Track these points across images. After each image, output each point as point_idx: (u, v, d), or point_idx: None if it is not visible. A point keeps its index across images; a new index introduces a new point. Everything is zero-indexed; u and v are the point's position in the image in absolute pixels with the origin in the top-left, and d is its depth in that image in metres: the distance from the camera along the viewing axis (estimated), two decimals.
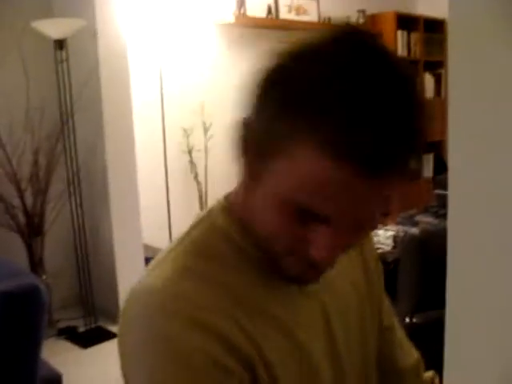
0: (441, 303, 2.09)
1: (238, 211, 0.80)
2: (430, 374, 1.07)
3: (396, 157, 0.63)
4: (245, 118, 0.74)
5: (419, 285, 2.76)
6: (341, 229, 0.68)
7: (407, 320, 2.97)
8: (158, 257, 0.79)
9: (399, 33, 6.34)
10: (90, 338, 3.90)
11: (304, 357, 0.79)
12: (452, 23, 2.26)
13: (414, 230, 2.84)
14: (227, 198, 0.84)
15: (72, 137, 3.89)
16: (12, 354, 2.18)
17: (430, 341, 2.16)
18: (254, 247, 0.78)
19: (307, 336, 0.81)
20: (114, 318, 4.07)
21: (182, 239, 0.80)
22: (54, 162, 3.85)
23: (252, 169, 0.73)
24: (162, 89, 4.66)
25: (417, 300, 2.85)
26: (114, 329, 3.98)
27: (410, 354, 1.05)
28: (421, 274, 2.67)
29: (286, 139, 0.66)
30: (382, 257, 3.29)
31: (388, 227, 3.83)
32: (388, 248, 3.31)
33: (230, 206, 0.82)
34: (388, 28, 6.34)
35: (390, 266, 3.16)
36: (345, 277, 0.90)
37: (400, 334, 1.04)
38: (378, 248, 3.45)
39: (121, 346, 0.76)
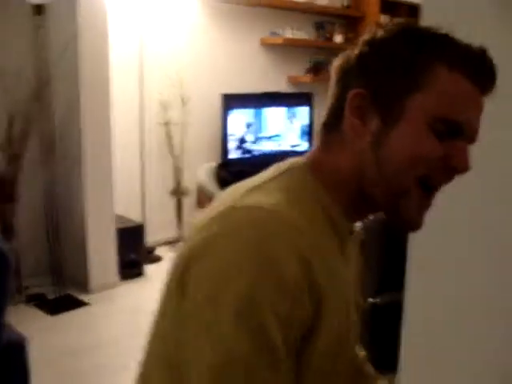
0: (402, 285, 2.15)
1: (325, 175, 0.88)
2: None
3: (496, 77, 0.85)
4: (368, 84, 0.85)
5: (382, 266, 2.82)
6: (467, 143, 0.84)
7: (370, 300, 3.03)
8: (250, 190, 0.84)
9: (382, 17, 6.35)
10: (58, 305, 3.91)
11: (347, 315, 0.88)
12: (426, 8, 2.29)
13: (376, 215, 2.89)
14: (306, 165, 0.90)
15: (48, 104, 3.88)
16: None
17: (391, 321, 2.23)
18: (337, 212, 0.87)
19: (349, 297, 0.89)
20: (83, 287, 4.10)
21: (268, 183, 0.86)
22: (29, 129, 3.83)
23: (384, 122, 0.83)
24: (141, 60, 4.64)
25: (380, 281, 2.91)
26: (82, 297, 4.00)
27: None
28: (384, 256, 2.72)
29: (422, 73, 0.82)
30: None
31: None
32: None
33: (316, 170, 0.89)
34: (372, 11, 6.35)
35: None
36: (353, 252, 0.99)
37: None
38: None
39: (200, 258, 0.76)
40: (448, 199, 1.95)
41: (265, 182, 0.86)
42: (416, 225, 0.87)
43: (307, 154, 0.92)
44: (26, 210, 4.05)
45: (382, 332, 2.60)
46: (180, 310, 0.77)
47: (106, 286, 4.08)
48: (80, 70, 3.84)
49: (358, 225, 0.97)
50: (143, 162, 4.77)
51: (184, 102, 4.92)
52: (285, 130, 5.75)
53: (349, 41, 6.47)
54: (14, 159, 3.80)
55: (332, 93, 0.90)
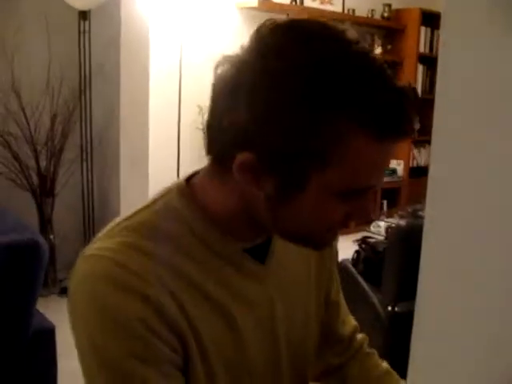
0: None
1: (200, 201, 0.85)
2: (361, 336, 1.20)
3: (412, 122, 0.73)
4: (248, 151, 0.75)
5: (402, 275, 2.85)
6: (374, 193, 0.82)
7: (389, 308, 3.07)
8: (106, 228, 0.86)
9: (423, 29, 6.38)
10: None
11: (238, 340, 0.87)
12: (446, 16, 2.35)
13: (401, 222, 2.94)
14: (184, 191, 0.87)
15: (89, 106, 4.04)
16: (8, 303, 2.34)
17: (410, 330, 2.28)
18: (211, 231, 0.84)
19: (245, 320, 0.87)
20: None
21: (129, 218, 0.85)
22: (70, 129, 4.00)
23: (284, 186, 0.76)
24: (181, 65, 4.77)
25: (400, 289, 2.95)
26: None
27: (348, 325, 1.18)
28: (404, 264, 2.76)
29: (338, 151, 0.72)
30: (374, 246, 3.40)
31: (386, 219, 3.94)
32: (380, 238, 3.42)
33: (190, 195, 0.86)
34: (412, 24, 6.39)
35: (379, 255, 3.26)
36: (295, 257, 0.99)
37: (343, 310, 1.17)
38: (372, 238, 3.56)
39: (68, 304, 0.81)
40: (461, 204, 2.02)
41: (127, 217, 0.85)
42: (326, 247, 0.91)
43: (193, 178, 0.89)
44: (65, 206, 4.22)
45: (402, 340, 2.66)
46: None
47: None
48: (121, 74, 4.00)
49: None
50: (180, 166, 4.90)
51: None
52: None
53: (388, 52, 6.52)
54: (55, 156, 3.98)
55: (213, 112, 0.80)
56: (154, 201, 0.87)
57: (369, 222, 0.81)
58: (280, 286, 0.94)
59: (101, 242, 0.83)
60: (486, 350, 1.25)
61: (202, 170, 0.89)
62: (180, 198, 0.86)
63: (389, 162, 0.81)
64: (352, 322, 1.19)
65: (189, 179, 0.89)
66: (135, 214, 0.85)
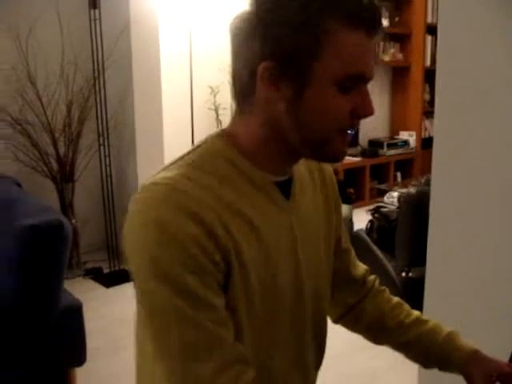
0: None
1: (234, 139, 1.00)
2: (372, 277, 1.34)
3: (380, 16, 0.92)
4: (274, 54, 0.91)
5: (415, 241, 2.93)
6: (368, 83, 0.95)
7: (403, 274, 3.16)
8: (160, 169, 0.99)
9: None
10: (113, 278, 4.21)
11: (270, 260, 0.99)
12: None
13: (412, 190, 3.01)
14: (219, 134, 1.02)
15: (103, 91, 4.14)
16: (37, 282, 2.46)
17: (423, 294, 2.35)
18: (249, 165, 0.99)
19: (274, 240, 1.00)
20: None
21: (180, 159, 1.00)
22: (86, 115, 4.10)
23: (296, 87, 0.92)
24: (191, 47, 4.84)
25: (412, 255, 3.04)
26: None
27: (360, 268, 1.33)
28: (416, 231, 2.83)
29: (323, 41, 0.89)
30: (386, 215, 3.48)
31: (400, 189, 4.00)
32: (393, 207, 3.49)
33: (227, 136, 1.01)
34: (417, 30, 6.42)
35: (392, 223, 3.35)
36: (309, 202, 1.12)
37: (353, 254, 1.32)
38: (385, 207, 3.64)
39: (128, 227, 0.92)
40: (465, 171, 2.10)
41: (182, 156, 1.00)
42: (341, 157, 1.02)
43: (227, 126, 1.04)
44: (84, 190, 4.35)
45: (416, 304, 2.74)
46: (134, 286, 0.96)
47: None
48: (133, 59, 4.09)
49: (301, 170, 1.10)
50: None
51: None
52: None
53: (395, 25, 6.54)
54: (73, 143, 4.09)
55: (236, 58, 0.97)
56: (198, 146, 1.02)
57: (369, 115, 0.92)
58: (298, 223, 1.07)
59: (159, 175, 0.95)
60: (491, 310, 1.33)
61: (230, 123, 1.04)
62: (219, 141, 1.00)
63: (372, 54, 0.94)
64: (362, 265, 1.33)
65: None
66: (184, 155, 1.00)
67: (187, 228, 0.87)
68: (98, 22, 4.01)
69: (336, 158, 1.01)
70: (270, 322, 1.02)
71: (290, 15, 0.88)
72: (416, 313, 1.31)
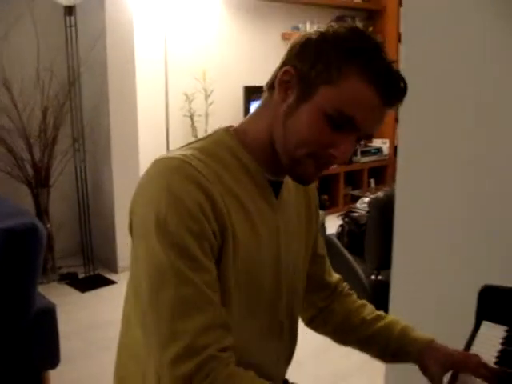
0: None
1: (240, 135, 1.12)
2: (344, 284, 1.46)
3: (403, 97, 1.05)
4: (294, 66, 1.05)
5: (383, 244, 3.00)
6: (357, 140, 1.05)
7: (372, 277, 3.24)
8: (172, 150, 1.11)
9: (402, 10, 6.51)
10: (88, 283, 4.23)
11: (258, 243, 1.10)
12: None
13: (380, 194, 3.09)
14: (227, 128, 1.15)
15: (78, 97, 4.17)
16: (12, 285, 2.48)
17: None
18: (250, 160, 1.11)
19: (265, 233, 1.12)
20: (111, 267, 4.40)
21: (188, 145, 1.11)
22: (61, 120, 4.12)
23: (298, 98, 1.04)
24: (166, 55, 4.91)
25: (381, 258, 3.11)
26: (111, 277, 4.31)
27: (334, 276, 1.45)
28: (384, 235, 2.89)
29: (338, 73, 1.00)
30: (356, 219, 3.56)
31: (371, 195, 4.07)
32: (363, 212, 3.57)
33: (235, 131, 1.14)
34: (391, 4, 6.56)
35: (362, 227, 3.42)
36: (293, 208, 1.23)
37: (328, 262, 1.44)
38: (356, 212, 3.71)
39: (136, 194, 1.04)
40: (427, 175, 2.19)
41: (191, 142, 1.13)
42: (307, 182, 1.13)
43: (238, 124, 1.17)
44: (59, 195, 4.36)
45: (385, 306, 2.80)
46: (132, 245, 1.06)
47: None
48: (108, 66, 4.12)
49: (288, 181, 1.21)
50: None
51: (207, 94, 5.18)
52: None
53: (367, 0, 6.63)
54: (48, 148, 4.10)
55: (281, 60, 1.10)
56: (205, 137, 1.14)
57: (338, 162, 1.02)
58: (283, 222, 1.18)
59: (174, 152, 1.07)
60: (452, 311, 1.40)
61: (241, 121, 1.17)
62: (226, 135, 1.13)
63: (376, 121, 1.04)
64: (336, 275, 1.45)
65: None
66: (192, 143, 1.13)
67: (195, 195, 0.98)
68: (73, 28, 4.04)
69: (302, 180, 1.12)
70: (250, 303, 1.11)
71: (328, 45, 1.02)
72: (378, 312, 1.40)
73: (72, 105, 4.16)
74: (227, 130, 1.14)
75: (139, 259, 1.02)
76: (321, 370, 3.05)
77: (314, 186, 1.32)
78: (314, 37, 1.05)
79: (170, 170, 1.00)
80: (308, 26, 5.93)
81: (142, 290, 1.02)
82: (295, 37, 1.10)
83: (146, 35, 4.88)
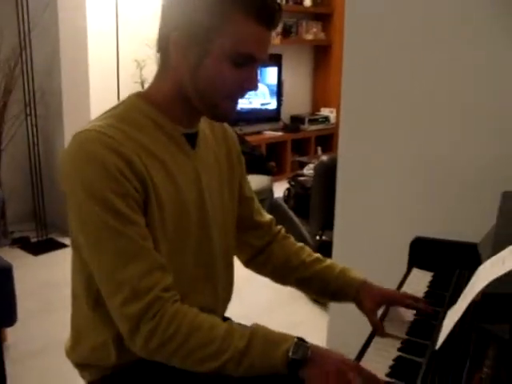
0: None
1: (150, 97, 1.23)
2: (278, 226, 1.58)
3: (280, 17, 1.17)
4: (180, 31, 1.13)
5: (327, 206, 3.15)
6: (259, 66, 1.18)
7: (317, 238, 3.41)
8: (90, 121, 1.21)
9: None
10: (41, 247, 4.30)
11: (179, 193, 1.22)
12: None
13: (324, 158, 3.24)
14: (138, 93, 1.26)
15: (29, 61, 4.17)
16: None
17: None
18: (162, 118, 1.22)
19: (183, 182, 1.23)
20: (64, 232, 4.46)
21: (105, 114, 1.23)
22: (12, 85, 4.13)
23: (196, 56, 1.14)
24: (117, 21, 4.93)
25: (325, 219, 3.27)
26: (63, 240, 4.37)
27: (265, 217, 1.55)
28: (328, 197, 3.04)
29: (223, 22, 1.11)
30: (302, 183, 3.72)
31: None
32: (310, 176, 3.72)
33: (144, 95, 1.25)
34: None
35: (307, 190, 3.59)
36: (211, 153, 1.35)
37: (257, 203, 1.55)
38: (303, 176, 3.87)
39: (64, 165, 1.14)
40: (370, 148, 2.36)
41: (108, 110, 1.24)
42: (229, 119, 1.29)
43: (145, 88, 1.28)
44: (11, 161, 4.37)
45: None
46: (67, 206, 1.18)
47: None
48: (59, 30, 4.13)
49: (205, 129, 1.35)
50: None
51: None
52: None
53: (317, 5, 6.76)
54: None
55: (159, 24, 1.20)
56: (120, 103, 1.25)
57: (254, 90, 1.18)
58: (202, 169, 1.30)
59: (91, 123, 1.17)
60: (390, 268, 1.57)
61: (148, 86, 1.27)
62: (137, 99, 1.24)
63: (267, 42, 1.18)
64: (268, 215, 1.57)
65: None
66: (108, 111, 1.23)
67: (113, 160, 1.10)
68: None
69: (224, 118, 1.28)
70: (181, 243, 1.25)
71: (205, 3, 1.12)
72: (317, 254, 1.53)
73: (23, 69, 4.17)
74: (137, 95, 1.25)
75: (74, 220, 1.15)
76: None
77: (234, 137, 1.47)
78: None
79: (88, 141, 1.12)
80: None
81: (84, 248, 1.16)
82: None
83: (97, 1, 4.88)
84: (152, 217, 1.16)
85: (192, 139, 1.28)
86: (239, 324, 1.17)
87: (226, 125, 1.43)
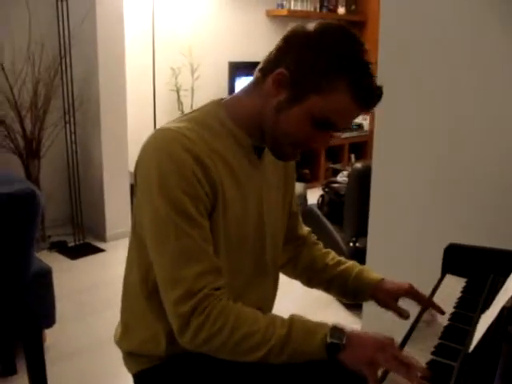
0: None
1: (229, 108, 1.28)
2: (313, 235, 1.66)
3: (378, 103, 1.20)
4: (288, 68, 1.18)
5: (361, 213, 3.16)
6: (336, 132, 1.26)
7: (351, 244, 3.41)
8: (170, 121, 1.28)
9: None
10: (77, 251, 4.38)
11: (244, 201, 1.28)
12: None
13: (358, 165, 3.25)
14: (219, 101, 1.31)
15: (69, 70, 4.27)
16: (12, 247, 2.63)
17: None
18: (236, 128, 1.27)
19: (249, 190, 1.30)
20: (100, 236, 4.55)
21: (185, 115, 1.29)
22: (52, 93, 4.23)
23: (287, 98, 1.19)
24: (153, 29, 5.01)
25: (359, 226, 3.27)
26: (99, 245, 4.46)
27: (304, 229, 1.65)
28: (362, 203, 3.05)
29: (328, 83, 1.15)
30: (337, 189, 3.73)
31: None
32: (344, 184, 3.74)
33: (225, 103, 1.30)
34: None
35: (341, 197, 3.60)
36: (273, 169, 1.41)
37: (300, 218, 1.64)
38: (337, 182, 3.88)
39: (141, 158, 1.20)
40: (401, 148, 2.37)
41: (186, 114, 1.30)
42: (285, 160, 1.35)
43: (229, 97, 1.33)
44: (50, 166, 4.48)
45: None
46: (136, 198, 1.25)
47: (120, 235, 4.50)
48: (98, 39, 4.22)
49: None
50: (156, 125, 5.16)
51: (193, 69, 5.30)
52: None
53: (351, 13, 6.78)
54: (39, 120, 4.21)
55: (274, 49, 1.24)
56: (198, 109, 1.31)
57: (319, 149, 1.28)
58: (264, 182, 1.36)
59: (171, 124, 1.23)
60: (425, 276, 1.59)
61: (232, 96, 1.33)
62: (217, 107, 1.30)
63: (355, 117, 1.25)
64: (306, 228, 1.66)
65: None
66: (189, 113, 1.30)
67: (189, 163, 1.15)
68: (64, 2, 4.14)
69: (281, 158, 1.32)
70: (237, 252, 1.30)
71: (326, 55, 1.15)
72: (339, 258, 1.60)
73: (63, 78, 4.27)
74: (218, 102, 1.30)
75: (144, 212, 1.21)
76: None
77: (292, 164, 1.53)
78: (306, 41, 1.18)
79: (167, 140, 1.17)
80: (292, 3, 6.06)
81: (147, 240, 1.21)
82: (291, 26, 1.24)
83: (134, 10, 4.98)
84: (216, 220, 1.22)
85: (259, 152, 1.34)
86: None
87: None
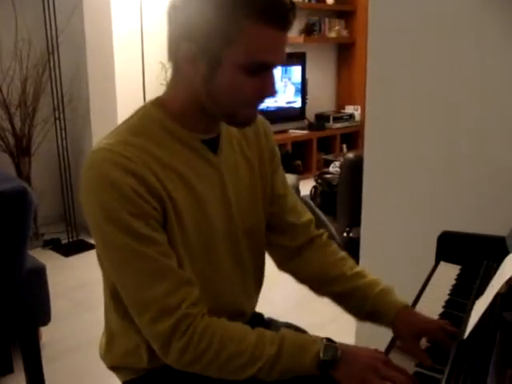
0: None
1: (166, 106, 1.20)
2: (320, 230, 1.49)
3: (293, 15, 1.10)
4: (190, 42, 1.09)
5: (353, 203, 3.15)
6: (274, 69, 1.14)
7: (344, 235, 3.42)
8: (105, 136, 1.20)
9: None
10: (71, 248, 4.37)
11: (201, 205, 1.20)
12: None
13: (350, 155, 3.25)
14: (154, 101, 1.23)
15: (57, 67, 4.24)
16: (4, 246, 2.61)
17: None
18: (179, 128, 1.19)
19: (205, 192, 1.21)
20: None
21: (120, 126, 1.21)
22: (41, 90, 4.21)
23: (208, 68, 1.10)
24: (142, 23, 4.98)
25: (352, 216, 3.27)
26: (93, 241, 4.42)
27: (302, 216, 1.46)
28: (354, 194, 3.04)
29: (233, 32, 1.06)
30: (329, 180, 3.74)
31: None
32: (336, 174, 3.74)
33: (160, 103, 1.21)
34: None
35: (334, 188, 3.60)
36: (239, 154, 1.32)
37: (293, 201, 1.46)
38: (329, 173, 3.89)
39: (83, 184, 1.12)
40: (394, 139, 2.37)
41: (124, 121, 1.22)
42: (250, 124, 1.23)
43: (162, 94, 1.24)
44: (41, 164, 4.47)
45: (357, 262, 2.95)
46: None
47: None
48: (86, 35, 4.21)
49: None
50: None
51: None
52: (281, 87, 6.14)
53: (340, 2, 6.76)
54: (28, 117, 4.20)
55: (166, 32, 1.16)
56: (135, 113, 1.22)
57: (273, 96, 1.14)
58: (228, 172, 1.27)
59: (102, 141, 1.16)
60: (419, 267, 1.58)
61: (164, 91, 1.24)
62: (152, 107, 1.21)
63: (282, 44, 1.12)
64: (308, 215, 1.48)
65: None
66: (124, 123, 1.21)
67: (125, 180, 1.08)
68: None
69: (244, 125, 1.23)
70: (207, 254, 1.24)
71: (211, 8, 1.06)
72: (359, 268, 1.42)
73: (51, 75, 4.24)
74: (154, 103, 1.22)
75: (96, 238, 1.15)
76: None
77: (267, 133, 1.41)
78: (189, 5, 1.10)
79: (99, 163, 1.10)
80: None
81: (106, 264, 1.18)
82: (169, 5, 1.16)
83: (122, 4, 4.94)
84: (172, 232, 1.16)
85: (213, 144, 1.26)
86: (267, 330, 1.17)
87: (257, 120, 1.33)
